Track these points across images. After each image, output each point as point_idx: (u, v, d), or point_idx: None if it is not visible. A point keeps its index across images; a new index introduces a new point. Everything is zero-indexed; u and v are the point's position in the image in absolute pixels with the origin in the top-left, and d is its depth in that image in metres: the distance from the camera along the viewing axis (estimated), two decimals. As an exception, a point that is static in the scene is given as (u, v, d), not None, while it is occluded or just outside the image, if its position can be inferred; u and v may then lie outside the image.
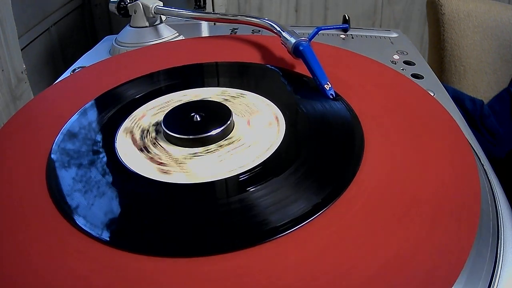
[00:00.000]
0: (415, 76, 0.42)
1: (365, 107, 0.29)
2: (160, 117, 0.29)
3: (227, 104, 0.30)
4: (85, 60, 0.47)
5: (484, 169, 0.28)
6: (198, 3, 0.70)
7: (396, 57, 0.47)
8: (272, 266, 0.19)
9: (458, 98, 0.63)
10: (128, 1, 0.48)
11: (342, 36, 0.53)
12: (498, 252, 0.21)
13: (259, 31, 0.50)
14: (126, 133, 0.29)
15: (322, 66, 0.32)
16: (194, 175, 0.25)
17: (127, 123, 0.30)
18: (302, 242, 0.20)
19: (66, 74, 0.43)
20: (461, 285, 0.18)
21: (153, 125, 0.29)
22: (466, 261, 0.19)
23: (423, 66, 0.45)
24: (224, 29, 0.55)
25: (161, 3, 0.47)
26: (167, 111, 0.29)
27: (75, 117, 0.31)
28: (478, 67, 0.67)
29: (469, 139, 0.27)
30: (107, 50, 0.50)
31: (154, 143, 0.27)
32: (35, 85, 0.65)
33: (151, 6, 0.46)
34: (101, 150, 0.27)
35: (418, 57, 0.47)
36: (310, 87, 0.32)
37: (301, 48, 0.34)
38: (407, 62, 0.45)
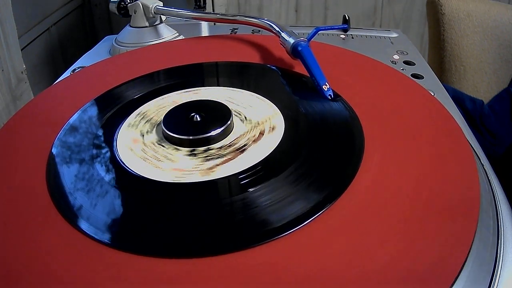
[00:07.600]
0: (415, 76, 0.42)
1: (365, 107, 0.29)
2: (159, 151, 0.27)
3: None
4: (85, 60, 0.47)
5: (484, 169, 0.28)
6: (198, 3, 0.70)
7: (396, 57, 0.47)
8: (272, 266, 0.19)
9: (458, 98, 0.63)
10: (128, 1, 0.48)
11: (342, 36, 0.53)
12: (498, 252, 0.21)
13: (259, 31, 0.50)
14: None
15: (320, 67, 0.32)
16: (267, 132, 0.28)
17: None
18: (302, 242, 0.20)
19: (66, 74, 0.43)
20: (461, 285, 0.18)
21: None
22: (465, 261, 0.19)
23: (423, 66, 0.45)
24: (224, 29, 0.55)
25: (161, 3, 0.47)
26: (164, 122, 0.28)
27: (75, 117, 0.31)
28: (478, 67, 0.67)
29: (469, 139, 0.27)
30: (107, 50, 0.50)
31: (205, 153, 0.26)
32: (35, 85, 0.65)
33: (151, 6, 0.46)
34: (103, 145, 0.27)
35: (418, 57, 0.47)
36: (310, 87, 0.32)
37: (299, 48, 0.34)
38: (407, 62, 0.45)
